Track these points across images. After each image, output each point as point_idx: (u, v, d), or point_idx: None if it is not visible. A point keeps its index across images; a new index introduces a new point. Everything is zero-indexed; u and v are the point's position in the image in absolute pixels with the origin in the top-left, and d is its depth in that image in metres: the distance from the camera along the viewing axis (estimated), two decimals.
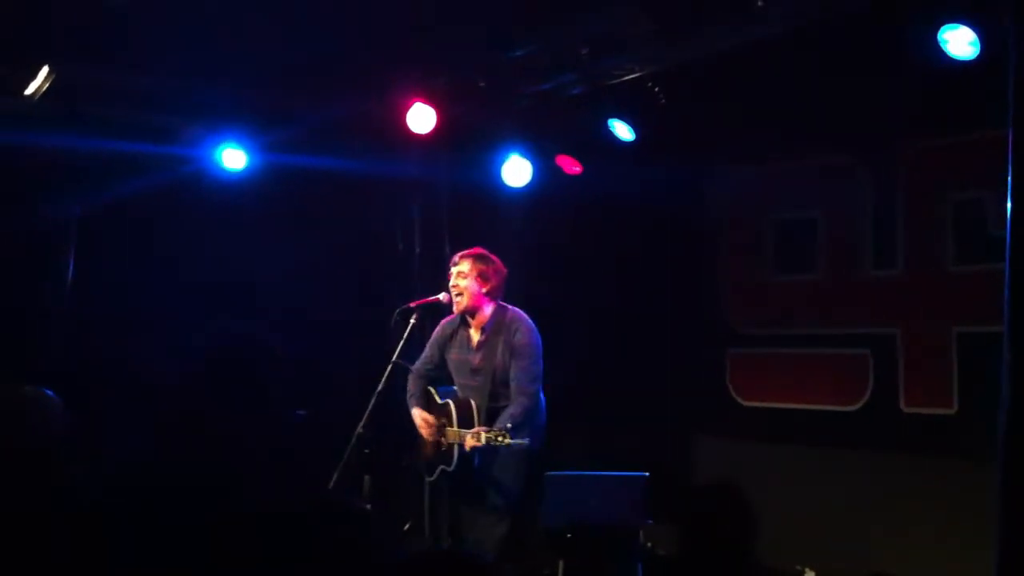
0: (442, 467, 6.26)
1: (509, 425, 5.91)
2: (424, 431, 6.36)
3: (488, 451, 6.02)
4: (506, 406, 6.15)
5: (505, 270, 6.41)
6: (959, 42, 5.81)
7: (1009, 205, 5.12)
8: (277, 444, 2.76)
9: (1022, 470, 4.97)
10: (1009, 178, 5.11)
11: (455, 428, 6.18)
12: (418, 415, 6.42)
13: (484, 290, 6.30)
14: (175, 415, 2.77)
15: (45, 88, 6.32)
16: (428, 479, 6.36)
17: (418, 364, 6.55)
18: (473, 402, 6.25)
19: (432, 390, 6.48)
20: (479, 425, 6.06)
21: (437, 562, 2.49)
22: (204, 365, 2.75)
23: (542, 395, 6.37)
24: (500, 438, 5.83)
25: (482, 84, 7.44)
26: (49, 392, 4.37)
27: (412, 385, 6.51)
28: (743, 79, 6.79)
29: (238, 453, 2.69)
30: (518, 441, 5.86)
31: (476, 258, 6.33)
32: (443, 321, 6.55)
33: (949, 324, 7.05)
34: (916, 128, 7.08)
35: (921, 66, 6.08)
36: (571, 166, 7.99)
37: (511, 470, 6.18)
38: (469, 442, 6.00)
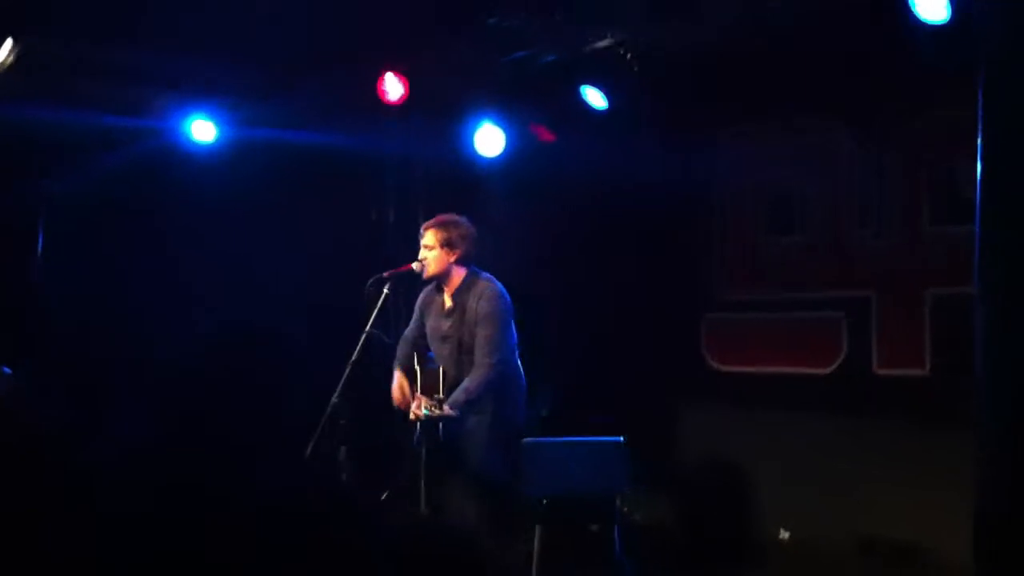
0: (414, 437, 6.26)
1: (440, 397, 5.88)
2: (394, 397, 6.34)
3: (454, 422, 6.00)
4: None
5: (473, 231, 6.31)
6: (931, 4, 5.80)
7: (979, 167, 5.13)
8: (278, 434, 2.74)
9: (996, 429, 5.00)
10: (979, 140, 5.12)
11: (418, 396, 6.18)
12: (395, 381, 6.40)
13: (452, 259, 6.24)
14: (168, 402, 2.74)
15: (10, 61, 6.26)
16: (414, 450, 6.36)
17: (406, 330, 6.55)
18: (442, 370, 6.21)
19: (416, 356, 6.44)
20: (443, 394, 6.05)
21: (424, 537, 2.48)
22: (205, 353, 2.72)
23: (517, 361, 6.33)
24: (433, 408, 5.80)
25: (456, 53, 7.40)
26: (5, 369, 4.34)
27: (399, 350, 6.49)
28: (719, 48, 6.79)
29: (238, 443, 2.67)
30: (449, 413, 5.81)
31: (439, 227, 6.24)
32: (425, 288, 6.52)
33: (923, 286, 7.09)
34: (894, 92, 7.08)
35: (897, 30, 6.08)
36: (545, 133, 7.96)
37: (482, 441, 6.13)
38: (413, 412, 6.00)
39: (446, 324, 6.27)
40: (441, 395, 6.00)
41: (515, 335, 6.28)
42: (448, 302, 6.30)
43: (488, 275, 6.32)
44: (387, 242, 8.52)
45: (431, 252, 6.21)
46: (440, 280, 6.30)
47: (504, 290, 6.26)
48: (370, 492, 7.10)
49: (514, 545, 6.59)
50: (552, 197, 8.39)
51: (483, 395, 6.03)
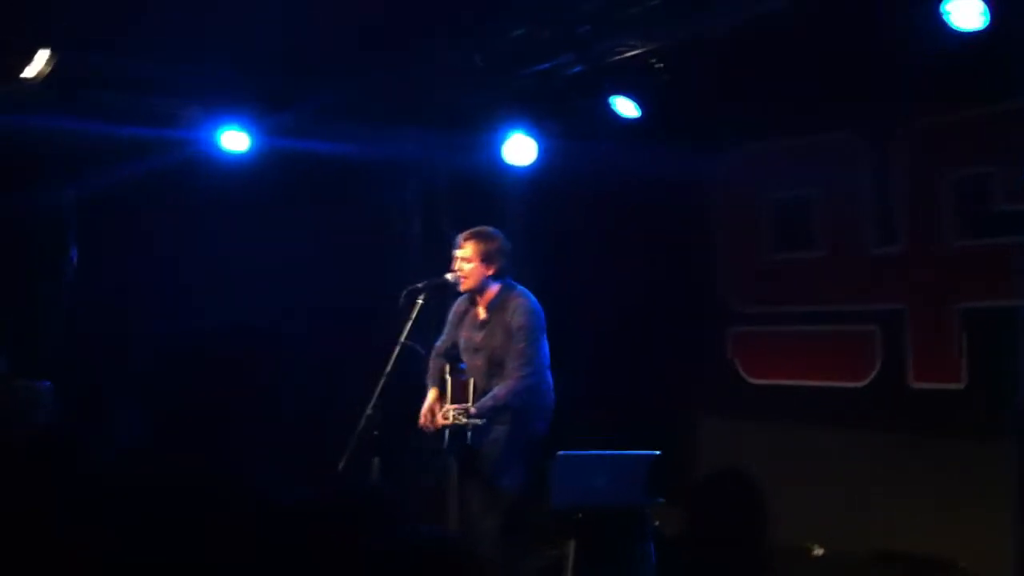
0: (441, 447, 6.23)
1: (469, 405, 5.93)
2: (422, 418, 6.30)
3: (481, 432, 5.99)
4: None
5: (508, 246, 6.31)
6: (966, 13, 5.75)
7: None
8: (277, 433, 2.71)
9: None
10: None
11: (447, 404, 6.16)
12: (426, 401, 6.37)
13: (489, 273, 6.22)
14: (177, 406, 2.72)
15: (47, 72, 6.24)
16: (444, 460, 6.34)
17: (438, 343, 6.51)
18: (472, 382, 6.19)
19: (447, 368, 6.42)
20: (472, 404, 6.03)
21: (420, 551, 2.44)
22: (201, 357, 2.70)
23: (548, 377, 6.30)
24: (460, 416, 5.80)
25: (480, 63, 7.37)
26: (45, 383, 4.32)
27: (431, 365, 6.46)
28: (744, 57, 6.75)
29: (238, 444, 2.65)
30: (475, 420, 5.83)
31: (479, 239, 6.22)
32: (459, 300, 6.49)
33: (954, 300, 7.04)
34: (918, 102, 7.04)
35: (924, 39, 6.04)
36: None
37: (501, 450, 6.11)
38: (439, 420, 6.00)
39: (479, 336, 6.25)
40: (469, 405, 5.99)
41: (547, 351, 6.26)
42: (482, 314, 6.28)
43: (523, 288, 6.31)
44: (413, 253, 8.50)
45: (468, 264, 6.19)
46: (475, 292, 6.27)
47: (538, 305, 6.25)
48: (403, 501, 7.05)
49: (530, 555, 6.55)
50: (579, 207, 8.37)
51: (511, 405, 6.04)
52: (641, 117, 7.30)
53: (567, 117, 7.91)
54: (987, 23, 5.71)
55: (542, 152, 7.89)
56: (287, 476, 2.75)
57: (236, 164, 7.56)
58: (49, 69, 6.22)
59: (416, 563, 2.33)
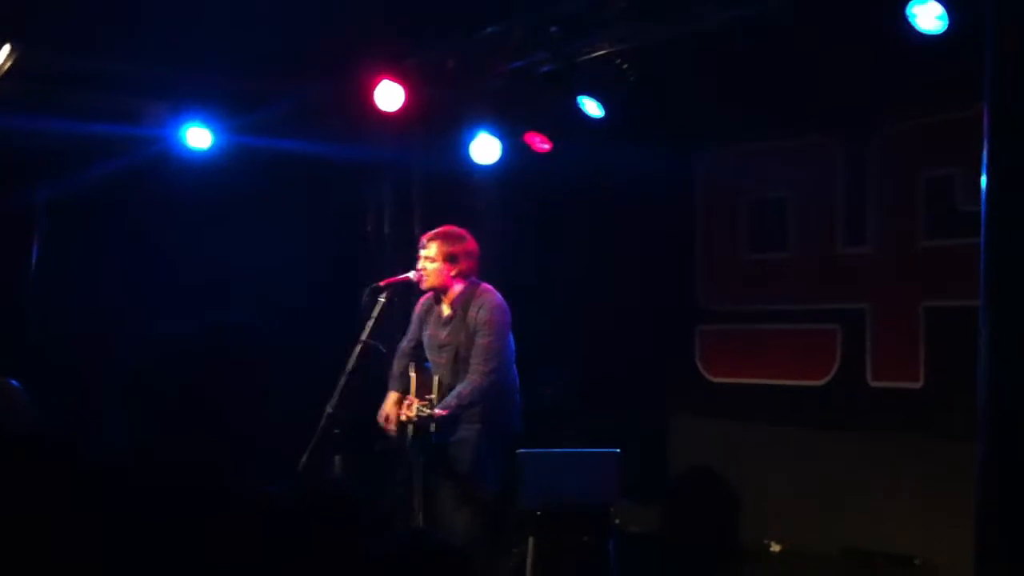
0: (404, 446, 6.22)
1: (432, 397, 5.89)
2: (380, 416, 6.27)
3: (447, 431, 5.97)
4: None
5: (475, 248, 6.27)
6: (927, 16, 5.79)
7: (984, 181, 5.10)
8: (270, 434, 2.72)
9: (999, 442, 4.98)
10: (984, 154, 5.09)
11: (410, 398, 6.14)
12: (385, 402, 6.33)
13: (452, 273, 6.19)
14: (161, 406, 2.72)
15: (7, 68, 6.22)
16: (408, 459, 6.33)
17: (402, 342, 6.50)
18: (438, 379, 6.15)
19: (412, 366, 6.40)
20: (437, 401, 6.03)
21: (406, 549, 2.47)
22: (196, 355, 2.70)
23: (515, 374, 6.30)
24: (423, 408, 5.79)
25: (451, 63, 7.39)
26: (13, 382, 4.32)
27: (395, 365, 6.44)
28: (715, 58, 6.78)
29: (231, 444, 2.66)
30: (439, 413, 5.82)
31: (443, 240, 6.17)
32: (423, 298, 6.47)
33: (917, 299, 7.10)
34: (887, 105, 7.10)
35: (892, 43, 6.07)
36: (540, 143, 7.92)
37: (474, 451, 6.08)
38: (404, 414, 5.97)
39: (443, 333, 6.23)
40: (434, 397, 5.97)
41: (513, 346, 6.25)
42: (446, 311, 6.26)
43: (488, 285, 6.28)
44: (383, 252, 8.49)
45: (432, 264, 6.15)
46: (439, 291, 6.26)
47: (503, 301, 6.23)
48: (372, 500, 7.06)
49: (505, 555, 6.56)
50: (549, 206, 8.39)
51: (476, 402, 6.00)
52: (614, 116, 7.30)
53: (540, 116, 7.92)
54: (946, 26, 5.74)
55: (513, 151, 7.89)
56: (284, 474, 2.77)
57: (203, 161, 7.55)
58: (9, 65, 6.20)
59: (415, 565, 2.35)
